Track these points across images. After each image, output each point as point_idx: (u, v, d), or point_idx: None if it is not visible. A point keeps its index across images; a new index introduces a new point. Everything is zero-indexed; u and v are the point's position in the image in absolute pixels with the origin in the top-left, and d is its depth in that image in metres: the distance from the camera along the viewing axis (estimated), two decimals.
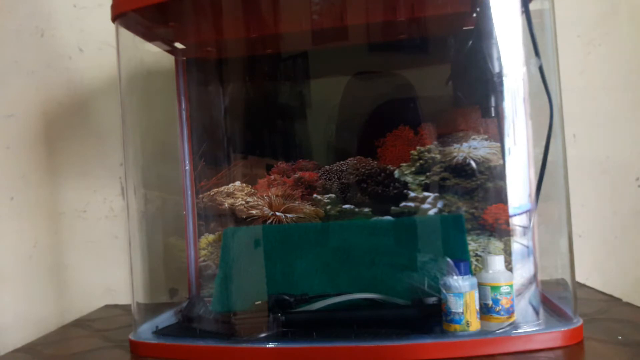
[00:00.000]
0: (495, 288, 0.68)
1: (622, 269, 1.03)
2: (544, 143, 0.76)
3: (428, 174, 0.89)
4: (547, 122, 0.75)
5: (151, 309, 0.87)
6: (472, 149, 0.87)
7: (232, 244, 0.93)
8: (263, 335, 0.73)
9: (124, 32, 0.83)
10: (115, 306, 1.08)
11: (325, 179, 0.93)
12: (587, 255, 1.03)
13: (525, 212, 0.74)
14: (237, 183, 0.96)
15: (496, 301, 0.68)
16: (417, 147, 0.90)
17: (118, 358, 0.76)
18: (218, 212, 0.96)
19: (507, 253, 0.73)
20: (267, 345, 0.70)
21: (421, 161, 0.90)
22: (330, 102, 0.96)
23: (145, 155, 0.91)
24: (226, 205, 0.95)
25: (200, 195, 0.97)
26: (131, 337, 0.78)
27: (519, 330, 0.67)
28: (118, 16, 0.81)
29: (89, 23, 1.13)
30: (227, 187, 0.96)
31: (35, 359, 0.78)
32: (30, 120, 1.14)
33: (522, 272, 0.72)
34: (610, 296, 0.88)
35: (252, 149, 0.97)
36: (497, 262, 0.69)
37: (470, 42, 0.83)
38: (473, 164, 0.87)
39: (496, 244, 0.85)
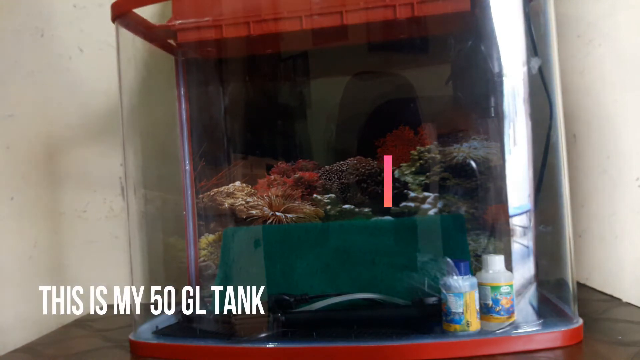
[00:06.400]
0: (495, 288, 0.68)
1: (622, 269, 1.02)
2: (544, 143, 0.76)
3: (428, 174, 0.89)
4: (547, 122, 0.75)
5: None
6: (472, 149, 0.87)
7: (232, 244, 0.93)
8: (263, 335, 0.73)
9: (124, 32, 0.83)
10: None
11: (325, 179, 0.93)
12: (587, 255, 1.03)
13: (525, 212, 0.74)
14: (237, 183, 0.95)
15: (496, 301, 0.68)
16: (417, 147, 0.90)
17: (118, 358, 0.76)
18: (218, 212, 0.96)
19: (507, 253, 0.72)
20: (267, 345, 0.70)
21: (421, 161, 0.89)
22: (330, 102, 0.96)
23: (145, 155, 0.91)
24: (226, 205, 0.95)
25: (200, 195, 0.97)
26: (131, 337, 0.78)
27: (519, 330, 0.67)
28: (118, 16, 0.81)
29: (89, 23, 1.13)
30: (227, 187, 0.96)
31: (35, 359, 0.78)
32: (30, 120, 1.14)
33: (522, 272, 0.72)
34: (610, 296, 0.88)
35: (252, 149, 0.97)
36: (497, 262, 0.69)
37: (470, 42, 0.83)
38: (473, 164, 0.87)
39: (497, 244, 0.85)
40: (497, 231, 0.84)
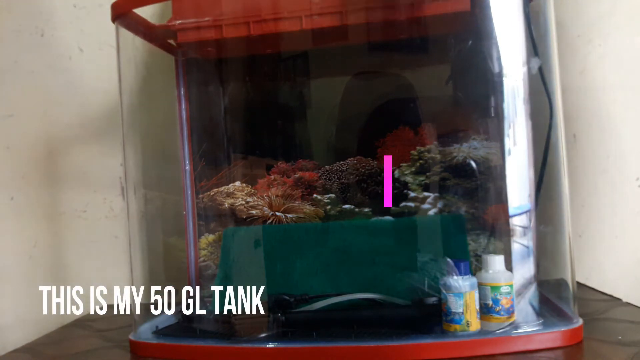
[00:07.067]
0: (495, 288, 0.68)
1: (622, 269, 1.02)
2: (544, 143, 0.76)
3: (428, 174, 0.89)
4: (547, 122, 0.75)
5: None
6: (472, 149, 0.87)
7: (232, 244, 0.93)
8: (263, 335, 0.73)
9: (124, 32, 0.83)
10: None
11: (325, 179, 0.93)
12: (587, 255, 1.03)
13: (525, 212, 0.74)
14: (237, 183, 0.95)
15: (496, 301, 0.68)
16: (417, 147, 0.90)
17: (118, 358, 0.76)
18: (218, 212, 0.96)
19: (507, 253, 0.72)
20: (267, 345, 0.70)
21: (421, 161, 0.89)
22: (330, 102, 0.96)
23: (145, 155, 0.91)
24: (226, 205, 0.95)
25: (200, 195, 0.97)
26: (131, 337, 0.78)
27: (519, 330, 0.67)
28: (118, 16, 0.81)
29: (89, 23, 1.13)
30: (227, 187, 0.96)
31: (35, 359, 0.78)
32: (30, 120, 1.14)
33: (522, 272, 0.72)
34: (610, 296, 0.88)
35: (252, 149, 0.97)
36: (497, 262, 0.69)
37: (470, 42, 0.83)
38: (473, 164, 0.87)
39: (497, 244, 0.85)
40: (497, 231, 0.84)
